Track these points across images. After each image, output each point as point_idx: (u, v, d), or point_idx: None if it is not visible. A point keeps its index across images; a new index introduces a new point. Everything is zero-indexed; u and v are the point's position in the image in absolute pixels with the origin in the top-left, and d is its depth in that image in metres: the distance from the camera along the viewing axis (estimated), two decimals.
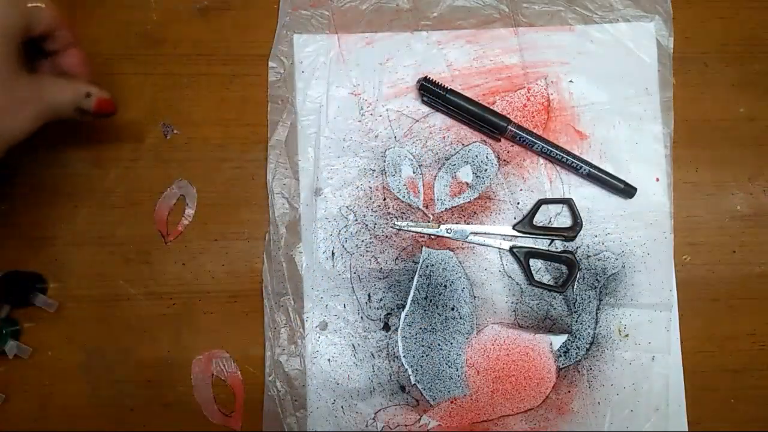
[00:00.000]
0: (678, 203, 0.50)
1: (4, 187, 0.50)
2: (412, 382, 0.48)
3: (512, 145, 0.50)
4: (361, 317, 0.49)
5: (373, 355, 0.48)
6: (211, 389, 0.48)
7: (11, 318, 0.48)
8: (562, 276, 0.49)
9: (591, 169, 0.49)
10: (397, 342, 0.48)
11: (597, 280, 0.49)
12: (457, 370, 0.48)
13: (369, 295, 0.49)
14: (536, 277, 0.49)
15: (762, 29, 0.52)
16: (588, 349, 0.49)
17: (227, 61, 0.51)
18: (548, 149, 0.49)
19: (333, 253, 0.49)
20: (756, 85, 0.52)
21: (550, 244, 0.50)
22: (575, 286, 0.49)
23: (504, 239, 0.49)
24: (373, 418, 0.48)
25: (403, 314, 0.49)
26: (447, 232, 0.49)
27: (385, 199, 0.50)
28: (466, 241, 0.49)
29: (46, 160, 0.50)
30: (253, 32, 0.51)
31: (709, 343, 0.50)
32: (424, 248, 0.49)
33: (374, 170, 0.50)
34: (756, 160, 0.51)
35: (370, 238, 0.49)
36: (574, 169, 0.49)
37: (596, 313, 0.49)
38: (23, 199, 0.50)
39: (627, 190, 0.49)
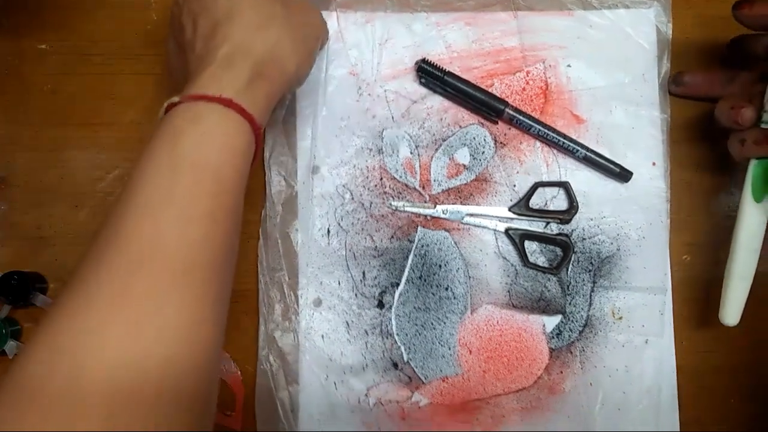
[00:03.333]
0: (678, 203, 0.50)
1: (4, 187, 0.50)
2: (405, 360, 0.48)
3: (509, 128, 0.51)
4: (356, 294, 0.49)
5: (366, 332, 0.48)
6: None
7: (11, 318, 0.48)
8: (557, 258, 0.49)
9: (587, 153, 0.49)
10: (390, 320, 0.49)
11: (591, 263, 0.49)
12: (450, 350, 0.48)
13: (364, 273, 0.49)
14: (531, 258, 0.49)
15: None
16: (581, 331, 0.49)
17: None
18: (545, 132, 0.49)
19: (329, 231, 0.49)
20: None
21: (545, 227, 0.50)
22: (570, 269, 0.49)
23: (500, 221, 0.50)
24: (366, 394, 0.48)
25: (397, 293, 0.49)
26: (443, 213, 0.49)
27: (381, 179, 0.50)
28: (461, 222, 0.50)
29: (46, 160, 0.49)
30: None
31: (708, 343, 0.50)
32: (419, 228, 0.49)
33: (371, 150, 0.50)
34: None
35: (366, 217, 0.49)
36: (571, 153, 0.49)
37: (590, 296, 0.49)
38: (23, 199, 0.49)
39: (623, 174, 0.49)
